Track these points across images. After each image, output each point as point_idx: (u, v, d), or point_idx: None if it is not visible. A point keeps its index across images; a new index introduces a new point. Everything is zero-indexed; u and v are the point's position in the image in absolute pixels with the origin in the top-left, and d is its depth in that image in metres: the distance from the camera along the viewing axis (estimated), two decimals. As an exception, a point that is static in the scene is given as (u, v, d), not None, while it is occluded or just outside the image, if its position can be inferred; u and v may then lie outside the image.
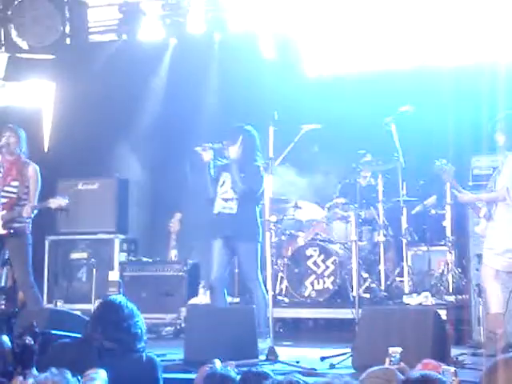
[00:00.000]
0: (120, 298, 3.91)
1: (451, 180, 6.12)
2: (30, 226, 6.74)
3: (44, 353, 4.64)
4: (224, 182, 6.38)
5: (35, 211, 6.74)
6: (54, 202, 6.66)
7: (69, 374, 2.47)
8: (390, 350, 4.01)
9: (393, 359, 3.96)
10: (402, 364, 3.91)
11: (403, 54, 8.79)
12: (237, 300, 7.99)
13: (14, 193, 6.71)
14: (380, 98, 8.18)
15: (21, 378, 2.54)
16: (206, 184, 6.39)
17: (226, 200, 6.34)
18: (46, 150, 9.54)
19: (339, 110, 8.24)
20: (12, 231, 6.56)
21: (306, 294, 7.60)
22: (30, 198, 6.77)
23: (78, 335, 5.08)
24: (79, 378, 2.66)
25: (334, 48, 9.03)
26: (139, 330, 3.76)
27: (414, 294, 7.13)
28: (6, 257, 6.87)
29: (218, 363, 4.30)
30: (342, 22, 8.85)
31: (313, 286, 7.62)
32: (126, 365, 3.62)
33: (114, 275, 4.61)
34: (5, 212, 6.57)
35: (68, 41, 9.14)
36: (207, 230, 6.57)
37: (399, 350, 3.99)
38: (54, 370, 2.44)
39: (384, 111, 7.64)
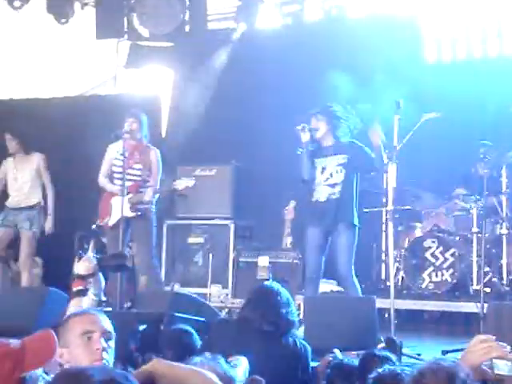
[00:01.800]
0: (277, 286, 4.00)
1: None
2: (154, 207, 6.92)
3: (167, 334, 4.76)
4: (324, 168, 6.24)
5: (157, 195, 6.90)
6: (181, 184, 6.79)
7: (222, 360, 2.51)
8: None
9: None
10: None
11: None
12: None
13: (138, 175, 6.90)
14: (505, 85, 7.89)
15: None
16: (302, 165, 6.24)
17: (332, 186, 6.19)
18: (163, 135, 9.73)
19: (461, 96, 7.99)
20: (139, 213, 6.73)
21: (424, 286, 7.44)
22: (153, 182, 6.94)
23: (201, 318, 5.20)
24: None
25: (457, 32, 8.77)
26: (295, 318, 3.84)
27: (539, 290, 6.85)
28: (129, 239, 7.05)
29: (338, 353, 4.27)
30: (465, 5, 8.59)
31: (430, 278, 7.45)
32: (282, 347, 3.72)
33: (263, 261, 4.65)
34: (131, 195, 6.74)
35: (187, 28, 9.27)
36: (305, 217, 6.42)
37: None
38: (208, 354, 2.48)
39: (509, 98, 7.35)
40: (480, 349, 2.35)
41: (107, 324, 2.84)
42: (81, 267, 3.57)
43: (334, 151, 6.25)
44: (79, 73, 10.20)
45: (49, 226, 7.57)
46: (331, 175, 6.21)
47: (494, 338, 2.38)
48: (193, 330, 4.50)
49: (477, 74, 8.33)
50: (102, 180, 7.07)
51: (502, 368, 2.26)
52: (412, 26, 8.89)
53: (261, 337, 3.83)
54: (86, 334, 2.74)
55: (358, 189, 6.28)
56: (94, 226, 6.74)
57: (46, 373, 2.47)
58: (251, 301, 4.11)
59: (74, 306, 3.40)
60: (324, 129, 6.26)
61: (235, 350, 3.39)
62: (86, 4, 9.57)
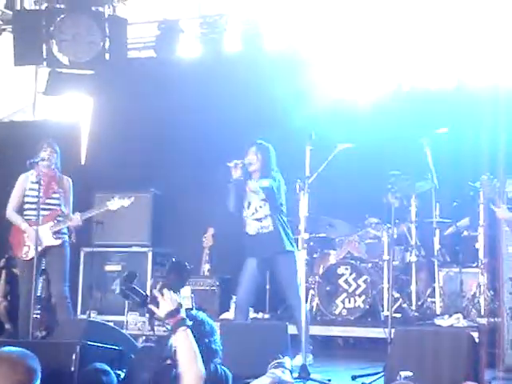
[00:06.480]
0: (202, 315, 4.06)
1: (494, 195, 5.94)
2: (67, 236, 6.91)
3: (82, 365, 4.75)
4: (250, 203, 6.42)
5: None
6: (114, 204, 6.81)
7: None
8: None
9: None
10: None
11: (438, 75, 8.82)
12: (267, 316, 8.06)
13: (57, 205, 6.87)
14: (414, 118, 8.23)
15: None
16: (229, 197, 6.41)
17: (259, 220, 6.40)
18: (82, 163, 9.70)
19: (373, 129, 8.29)
20: (62, 241, 6.72)
21: (337, 312, 7.65)
22: (67, 210, 6.93)
23: (116, 347, 5.20)
24: None
25: (369, 69, 9.08)
26: (218, 347, 3.91)
27: (446, 316, 7.13)
28: (43, 267, 6.98)
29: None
30: (379, 42, 8.90)
31: (344, 304, 7.67)
32: (205, 374, 3.79)
33: (185, 291, 4.67)
34: (51, 224, 6.73)
35: (107, 56, 9.28)
36: (242, 249, 6.60)
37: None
38: None
39: (418, 131, 7.67)
40: None
41: None
42: (165, 307, 3.27)
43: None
44: (-3, 99, 10.10)
45: None
46: (256, 210, 6.40)
47: None
48: (108, 368, 4.51)
49: (389, 106, 8.65)
50: (10, 213, 6.86)
51: None
52: (328, 61, 9.14)
53: None
54: None
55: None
56: (5, 258, 6.66)
57: None
58: None
59: (181, 339, 3.22)
60: (257, 164, 6.40)
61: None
62: (3, 30, 9.50)
